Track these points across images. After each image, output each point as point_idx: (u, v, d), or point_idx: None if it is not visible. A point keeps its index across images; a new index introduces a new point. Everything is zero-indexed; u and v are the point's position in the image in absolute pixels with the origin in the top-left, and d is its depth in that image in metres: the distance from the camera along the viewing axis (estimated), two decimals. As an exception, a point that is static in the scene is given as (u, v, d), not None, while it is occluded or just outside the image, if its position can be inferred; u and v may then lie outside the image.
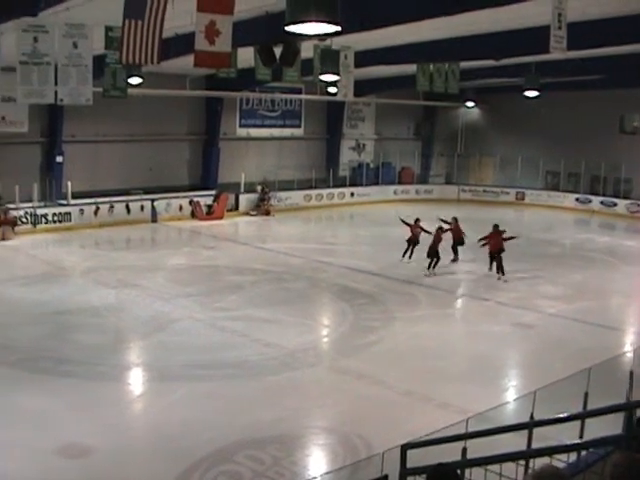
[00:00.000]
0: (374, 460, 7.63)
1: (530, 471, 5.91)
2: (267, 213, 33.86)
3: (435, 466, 4.80)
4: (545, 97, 32.01)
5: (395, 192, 40.68)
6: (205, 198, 32.67)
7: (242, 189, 34.50)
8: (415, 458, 7.65)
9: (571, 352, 14.97)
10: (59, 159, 29.58)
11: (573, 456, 6.80)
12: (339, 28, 8.24)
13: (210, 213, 32.32)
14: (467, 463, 7.14)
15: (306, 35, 9.68)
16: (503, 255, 21.36)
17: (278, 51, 17.92)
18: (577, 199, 38.25)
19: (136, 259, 23.92)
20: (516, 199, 40.24)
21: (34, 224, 27.65)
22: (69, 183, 28.90)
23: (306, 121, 38.75)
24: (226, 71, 22.59)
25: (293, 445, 10.83)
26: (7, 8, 14.84)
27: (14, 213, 26.90)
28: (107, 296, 18.92)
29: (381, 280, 21.38)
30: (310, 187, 37.39)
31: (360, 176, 40.34)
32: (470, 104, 41.93)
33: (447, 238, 22.69)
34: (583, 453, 6.98)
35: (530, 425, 7.99)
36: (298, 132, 38.59)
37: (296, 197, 36.38)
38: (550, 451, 6.48)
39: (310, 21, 8.05)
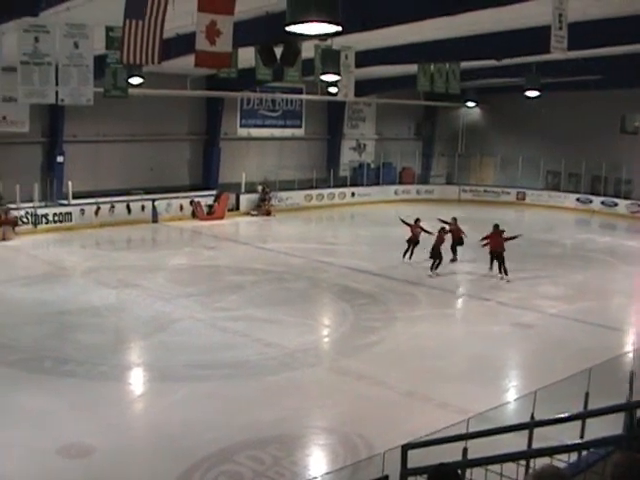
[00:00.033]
0: (375, 460, 7.63)
1: (531, 471, 5.90)
2: (268, 213, 33.86)
3: (436, 466, 4.80)
4: (546, 97, 32.04)
5: (396, 192, 40.69)
6: (206, 198, 32.67)
7: (243, 189, 34.51)
8: (416, 458, 7.65)
9: (572, 352, 14.96)
10: (60, 159, 29.59)
11: (574, 456, 6.79)
12: (340, 28, 8.25)
13: (211, 213, 32.32)
14: (468, 463, 7.14)
15: (307, 35, 9.69)
16: (504, 255, 21.36)
17: (279, 51, 17.94)
18: (578, 199, 38.24)
19: (137, 259, 23.92)
20: (517, 199, 40.24)
21: (35, 224, 27.66)
22: (70, 183, 28.90)
23: (307, 121, 38.76)
24: (227, 71, 22.59)
25: (293, 445, 10.83)
26: (8, 8, 14.87)
27: (15, 213, 26.90)
28: (108, 296, 18.93)
29: (382, 280, 21.38)
30: (311, 187, 37.39)
31: (361, 176, 40.35)
32: (471, 104, 41.91)
33: (447, 238, 22.67)
34: (584, 453, 6.98)
35: (531, 425, 7.98)
36: (299, 132, 38.58)
37: (297, 197, 36.40)
38: (551, 451, 6.47)
39: (311, 21, 8.05)
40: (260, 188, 34.49)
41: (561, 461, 6.37)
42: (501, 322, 17.67)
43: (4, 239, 25.88)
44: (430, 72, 25.64)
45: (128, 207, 30.16)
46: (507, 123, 40.72)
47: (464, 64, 25.94)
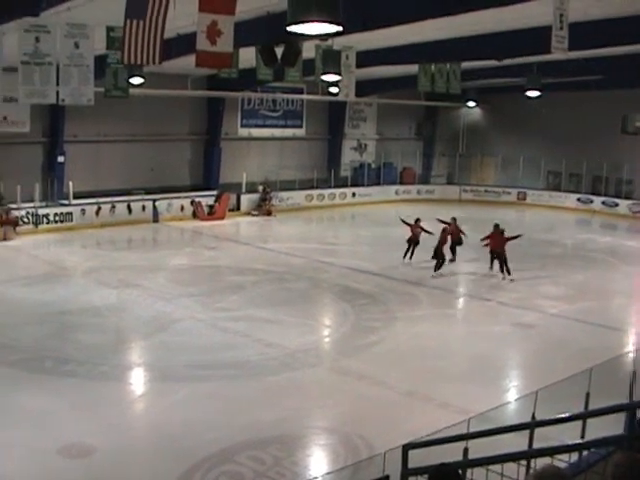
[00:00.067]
0: (375, 460, 7.63)
1: (531, 471, 5.90)
2: (268, 213, 33.85)
3: (437, 466, 4.80)
4: (547, 97, 32.05)
5: (397, 192, 40.67)
6: (206, 198, 32.66)
7: (243, 189, 34.51)
8: (416, 458, 7.65)
9: (572, 352, 14.96)
10: (61, 159, 29.60)
11: (574, 456, 6.79)
12: (341, 28, 8.24)
13: (211, 213, 32.32)
14: (469, 463, 7.14)
15: (307, 35, 9.69)
16: (506, 255, 21.36)
17: (279, 51, 17.91)
18: (579, 199, 38.24)
19: (137, 259, 23.93)
20: (517, 199, 40.22)
21: (36, 224, 27.67)
22: (71, 183, 28.91)
23: (307, 121, 38.76)
24: (227, 71, 22.58)
25: (294, 445, 10.84)
26: (9, 8, 14.87)
27: (16, 213, 26.91)
28: (109, 296, 18.93)
29: (382, 280, 21.38)
30: (311, 187, 37.38)
31: (361, 176, 40.34)
32: (472, 104, 41.92)
33: (448, 238, 22.65)
34: (584, 453, 6.98)
35: (531, 425, 7.98)
36: (299, 132, 38.58)
37: (297, 197, 36.40)
38: (551, 451, 6.47)
39: (311, 21, 8.05)
40: (261, 188, 34.50)
41: (562, 461, 6.37)
42: (502, 322, 17.67)
43: (5, 239, 25.89)
44: (431, 72, 25.64)
45: (129, 207, 30.16)
46: (508, 123, 40.70)
47: (465, 64, 25.94)
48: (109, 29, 17.34)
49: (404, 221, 23.43)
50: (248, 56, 20.54)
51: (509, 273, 21.19)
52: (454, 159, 43.69)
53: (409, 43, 22.30)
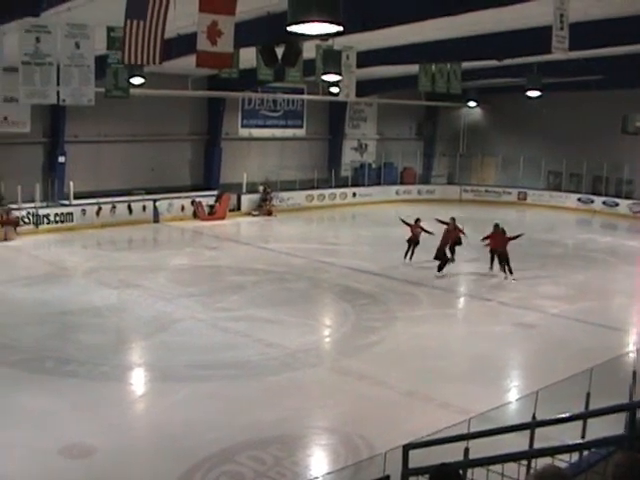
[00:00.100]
0: (376, 460, 7.63)
1: (532, 471, 5.90)
2: (269, 213, 33.86)
3: (437, 466, 4.80)
4: (547, 97, 32.03)
5: (397, 192, 40.67)
6: (207, 198, 32.68)
7: (244, 189, 34.51)
8: (417, 458, 7.65)
9: (573, 352, 14.97)
10: (61, 159, 29.61)
11: (575, 456, 6.79)
12: (341, 28, 8.24)
13: (212, 213, 32.33)
14: (469, 463, 7.14)
15: (308, 35, 9.69)
16: (508, 254, 21.38)
17: (280, 51, 17.91)
18: (579, 199, 38.23)
19: (138, 259, 23.93)
20: (518, 199, 40.22)
21: (36, 224, 27.67)
22: (71, 183, 28.92)
23: (308, 121, 38.76)
24: (228, 71, 22.58)
25: (295, 445, 10.84)
26: (9, 8, 14.87)
27: (16, 213, 26.92)
28: (109, 296, 18.93)
29: (383, 280, 21.38)
30: (312, 187, 37.38)
31: (362, 176, 40.35)
32: (472, 104, 41.92)
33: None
34: (585, 453, 6.98)
35: (532, 425, 7.98)
36: (300, 132, 38.58)
37: (298, 197, 36.41)
38: (552, 451, 6.47)
39: (312, 21, 8.05)
40: (261, 188, 34.50)
41: (562, 461, 6.37)
42: (502, 322, 17.67)
43: (6, 239, 25.90)
44: (431, 72, 25.65)
45: (129, 207, 30.17)
46: (508, 123, 40.70)
47: (465, 64, 25.95)
48: (110, 29, 17.34)
49: (404, 221, 23.42)
50: (248, 56, 20.55)
51: (511, 273, 21.21)
52: (455, 159, 43.68)
53: (409, 43, 22.30)
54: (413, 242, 22.91)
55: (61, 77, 17.10)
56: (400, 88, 35.04)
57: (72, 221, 28.68)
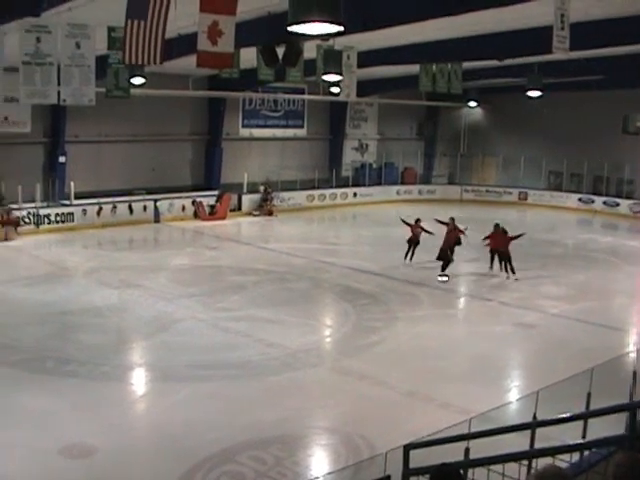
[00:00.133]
0: (377, 460, 7.63)
1: (533, 471, 5.90)
2: (270, 213, 33.86)
3: (438, 466, 4.80)
4: (548, 97, 32.02)
5: (398, 192, 40.67)
6: (208, 198, 32.69)
7: (245, 189, 34.51)
8: (418, 458, 7.65)
9: (574, 352, 14.96)
10: (62, 159, 29.61)
11: (576, 456, 6.79)
12: (342, 28, 8.24)
13: (213, 213, 32.34)
14: (470, 463, 7.14)
15: (309, 35, 9.69)
16: (510, 254, 21.41)
17: (281, 51, 17.92)
18: (580, 199, 38.23)
19: (139, 259, 23.94)
20: (519, 199, 40.23)
21: (37, 224, 27.68)
22: (72, 183, 28.93)
23: (309, 121, 38.77)
24: (229, 71, 22.57)
25: (295, 445, 10.84)
26: (10, 8, 14.86)
27: (17, 213, 26.93)
28: (110, 296, 18.93)
29: (383, 280, 21.38)
30: (313, 187, 37.39)
31: (363, 176, 40.34)
32: (473, 104, 41.91)
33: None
34: (586, 453, 6.97)
35: (533, 425, 7.98)
36: (301, 132, 38.59)
37: (299, 197, 36.41)
38: (553, 451, 6.47)
39: (313, 21, 8.06)
40: (262, 188, 34.50)
41: (563, 461, 6.37)
42: (503, 322, 17.66)
43: (6, 239, 25.90)
44: (432, 72, 25.66)
45: (130, 207, 30.18)
46: (509, 123, 40.70)
47: (466, 64, 25.95)
48: (110, 29, 17.34)
49: (404, 221, 23.37)
50: (249, 56, 20.55)
51: (513, 272, 21.21)
52: (455, 159, 43.68)
53: (410, 43, 22.30)
54: (413, 242, 22.87)
55: (62, 77, 17.10)
56: (401, 88, 35.04)
57: (73, 221, 28.68)
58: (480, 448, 7.36)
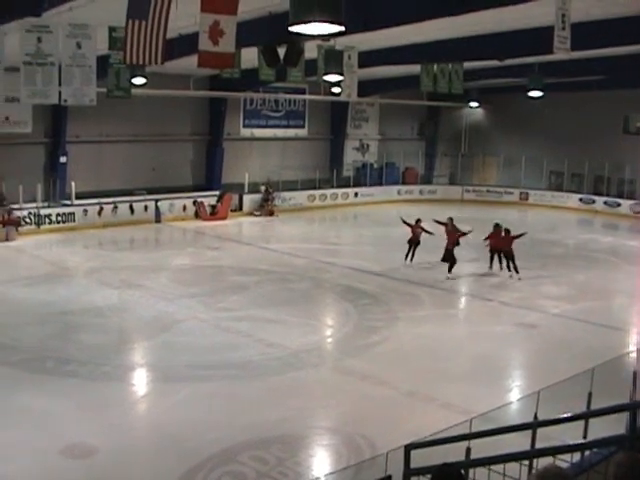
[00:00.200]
0: (378, 460, 7.64)
1: (534, 471, 5.90)
2: (271, 213, 33.87)
3: (439, 466, 4.79)
4: (549, 97, 31.99)
5: (399, 192, 40.67)
6: (209, 198, 32.70)
7: (246, 189, 34.51)
8: (419, 458, 7.65)
9: (574, 352, 14.96)
10: (63, 159, 29.62)
11: (577, 456, 6.78)
12: (343, 28, 8.25)
13: (214, 213, 32.34)
14: (471, 463, 7.14)
15: (310, 35, 9.69)
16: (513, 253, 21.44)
17: (282, 51, 17.93)
18: (581, 199, 38.22)
19: (140, 259, 23.94)
20: (520, 199, 40.22)
21: (38, 224, 27.69)
22: (73, 183, 28.94)
23: (310, 121, 38.77)
24: (230, 71, 22.55)
25: (297, 445, 10.84)
26: (10, 8, 14.86)
27: (18, 213, 26.93)
28: (111, 296, 18.93)
29: (384, 280, 21.38)
30: (314, 187, 37.39)
31: (364, 176, 40.31)
32: (474, 104, 41.86)
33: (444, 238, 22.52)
34: (587, 453, 6.97)
35: (534, 425, 7.98)
36: (302, 132, 38.59)
37: (300, 197, 36.40)
38: (554, 451, 6.47)
39: (314, 21, 8.06)
40: (263, 188, 34.50)
41: (564, 461, 6.37)
42: (504, 322, 17.67)
43: (7, 239, 25.90)
44: (433, 72, 25.65)
45: (131, 207, 30.19)
46: (510, 123, 40.70)
47: (467, 64, 25.93)
48: (111, 29, 17.33)
49: (405, 221, 23.34)
50: (250, 56, 20.55)
51: (517, 271, 21.23)
52: (456, 159, 43.66)
53: (411, 43, 22.31)
54: (414, 243, 22.83)
55: (62, 77, 17.08)
56: (402, 88, 35.04)
57: (74, 221, 28.69)
58: (481, 448, 7.36)
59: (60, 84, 17.19)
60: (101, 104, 19.75)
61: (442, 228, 22.40)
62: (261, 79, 24.02)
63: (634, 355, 13.14)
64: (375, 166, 41.29)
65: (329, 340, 16.57)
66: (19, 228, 26.73)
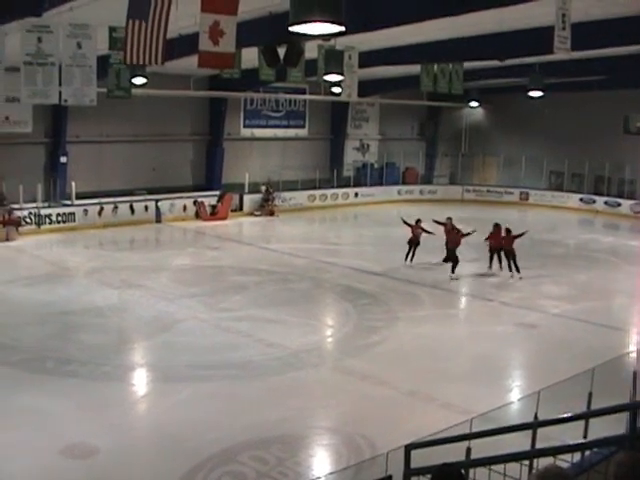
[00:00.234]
0: (378, 460, 7.64)
1: (534, 471, 5.90)
2: (271, 213, 33.87)
3: (439, 466, 4.79)
4: (549, 97, 31.97)
5: (399, 192, 40.65)
6: (209, 198, 32.70)
7: (246, 189, 34.50)
8: (419, 458, 7.65)
9: (575, 352, 14.96)
10: (63, 159, 29.62)
11: (577, 456, 6.78)
12: (343, 28, 8.23)
13: (214, 213, 32.34)
14: (471, 463, 7.14)
15: (310, 35, 9.68)
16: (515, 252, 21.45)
17: (282, 51, 17.92)
18: (581, 199, 38.21)
19: (140, 259, 23.94)
20: (520, 199, 40.20)
21: (38, 224, 27.69)
22: (73, 183, 28.94)
23: (310, 121, 38.77)
24: (230, 71, 22.53)
25: (297, 445, 10.84)
26: (11, 8, 14.85)
27: (18, 213, 26.93)
28: (111, 296, 18.94)
29: (384, 280, 21.38)
30: (314, 187, 37.37)
31: (364, 176, 40.30)
32: (474, 104, 41.83)
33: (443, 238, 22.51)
34: (587, 453, 6.97)
35: (534, 425, 7.98)
36: (302, 132, 38.59)
37: (300, 197, 36.39)
38: (554, 451, 6.46)
39: (314, 21, 8.05)
40: (263, 188, 34.50)
41: (564, 461, 6.37)
42: (504, 322, 17.66)
43: (7, 239, 25.91)
44: (433, 72, 25.65)
45: (131, 207, 30.19)
46: (510, 123, 40.70)
47: (467, 64, 25.93)
48: (112, 29, 17.33)
49: (405, 222, 23.35)
50: (250, 56, 20.56)
51: (518, 271, 21.25)
52: (456, 159, 43.66)
53: (411, 43, 22.31)
54: (414, 243, 22.83)
55: (63, 77, 17.08)
56: (402, 88, 35.04)
57: (74, 221, 28.69)
58: (481, 448, 7.36)
59: (60, 84, 17.19)
60: (101, 104, 19.74)
61: (442, 228, 22.39)
62: (261, 79, 24.01)
63: (634, 355, 13.15)
64: (375, 166, 41.28)
65: (329, 340, 16.58)
66: (19, 228, 26.73)
